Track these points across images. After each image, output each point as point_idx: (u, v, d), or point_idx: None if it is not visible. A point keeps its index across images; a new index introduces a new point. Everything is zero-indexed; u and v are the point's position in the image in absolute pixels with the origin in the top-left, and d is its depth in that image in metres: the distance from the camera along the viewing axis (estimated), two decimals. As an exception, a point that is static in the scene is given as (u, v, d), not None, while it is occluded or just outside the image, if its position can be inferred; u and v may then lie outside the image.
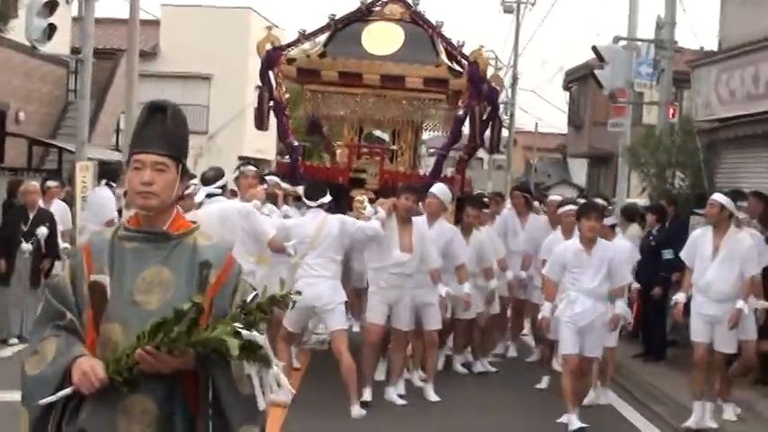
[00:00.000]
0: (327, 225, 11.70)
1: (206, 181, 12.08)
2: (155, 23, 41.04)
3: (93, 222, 16.58)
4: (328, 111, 15.38)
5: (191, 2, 42.80)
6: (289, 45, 15.04)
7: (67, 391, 4.00)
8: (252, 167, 12.79)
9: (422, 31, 14.95)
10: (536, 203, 17.10)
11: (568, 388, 10.94)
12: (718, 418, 11.28)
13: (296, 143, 15.03)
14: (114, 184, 17.93)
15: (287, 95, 15.09)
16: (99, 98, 26.79)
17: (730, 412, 11.70)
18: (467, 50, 15.03)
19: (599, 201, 15.48)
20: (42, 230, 15.79)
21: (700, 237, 11.73)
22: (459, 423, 11.51)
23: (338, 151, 16.47)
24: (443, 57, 14.74)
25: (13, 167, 22.86)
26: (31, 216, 15.18)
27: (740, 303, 10.61)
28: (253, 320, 4.00)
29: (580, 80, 39.28)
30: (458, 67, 14.70)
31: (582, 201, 15.37)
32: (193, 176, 12.70)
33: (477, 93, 14.42)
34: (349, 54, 14.59)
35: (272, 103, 14.61)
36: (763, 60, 16.77)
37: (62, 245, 16.63)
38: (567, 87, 45.64)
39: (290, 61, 14.63)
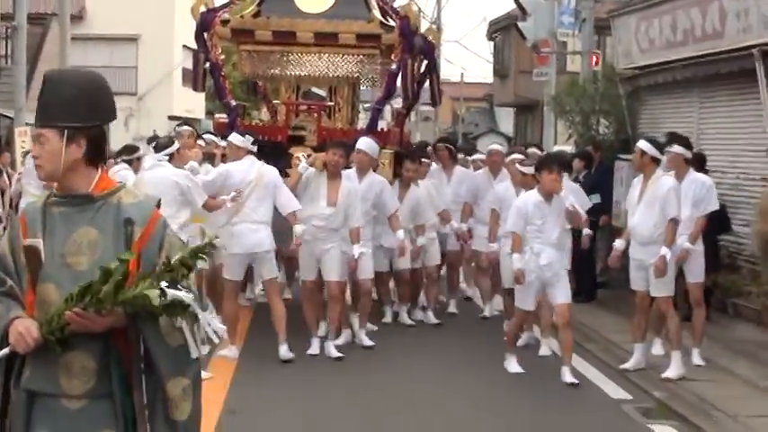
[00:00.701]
0: (266, 173, 11.91)
1: (157, 148, 12.14)
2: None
3: (32, 186, 16.77)
4: (264, 70, 15.41)
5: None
6: (222, 6, 14.98)
7: (5, 351, 4.11)
8: (188, 127, 13.19)
9: None
10: (461, 155, 17.20)
11: (513, 335, 11.40)
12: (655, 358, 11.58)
13: (234, 103, 14.97)
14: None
15: (222, 56, 15.07)
16: (31, 64, 26.62)
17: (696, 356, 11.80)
18: (397, 5, 15.19)
19: (537, 151, 15.71)
20: None
21: (635, 183, 11.92)
22: (402, 371, 11.61)
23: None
24: (376, 12, 14.70)
25: None
26: None
27: (663, 250, 10.80)
28: (177, 276, 4.09)
29: (504, 30, 39.50)
30: (391, 22, 14.64)
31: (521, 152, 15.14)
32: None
33: (409, 47, 14.48)
34: (282, 13, 14.60)
35: (207, 64, 14.62)
36: (679, 8, 16.88)
37: None
38: (491, 38, 45.85)
39: (224, 23, 14.57)
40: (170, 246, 4.26)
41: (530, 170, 12.49)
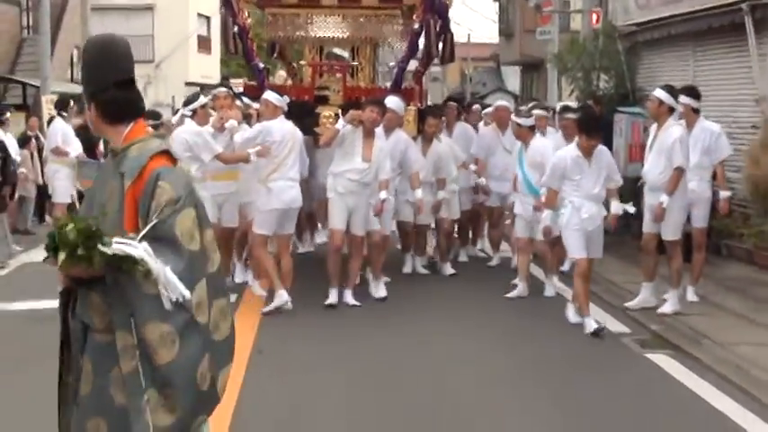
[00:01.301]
0: (297, 133, 12.25)
1: (185, 104, 12.58)
2: (96, -45, 41.26)
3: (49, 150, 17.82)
4: (290, 32, 15.46)
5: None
6: None
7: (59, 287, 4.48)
8: (224, 89, 13.04)
9: None
10: (476, 107, 17.13)
11: (581, 291, 10.95)
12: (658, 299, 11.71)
13: (261, 65, 14.93)
14: (65, 114, 18.51)
15: (249, 20, 14.94)
16: (53, 33, 26.68)
17: (691, 294, 12.07)
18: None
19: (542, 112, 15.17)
20: None
21: (651, 131, 12.07)
22: (415, 316, 11.76)
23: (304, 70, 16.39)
24: None
25: None
26: None
27: (662, 197, 10.99)
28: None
29: None
30: None
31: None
32: None
33: (430, 7, 14.36)
34: None
35: (236, 28, 14.43)
36: None
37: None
38: None
39: None
40: (159, 196, 4.24)
41: (528, 122, 12.94)
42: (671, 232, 11.31)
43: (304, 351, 9.92)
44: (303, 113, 13.05)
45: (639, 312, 11.61)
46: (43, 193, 19.18)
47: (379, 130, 12.52)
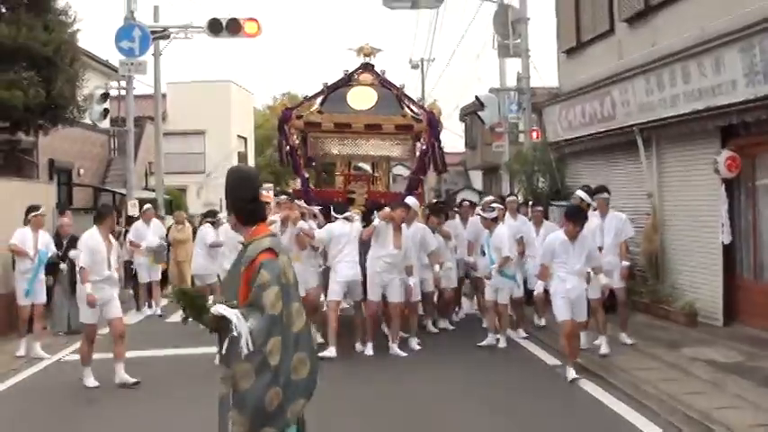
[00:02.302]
0: (355, 229, 12.72)
1: None
2: (163, 95, 41.76)
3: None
4: (327, 150, 15.70)
5: (188, 79, 43.70)
6: (296, 105, 15.24)
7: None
8: (284, 196, 13.29)
9: (389, 91, 15.01)
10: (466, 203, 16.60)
11: (567, 347, 10.61)
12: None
13: (306, 175, 14.99)
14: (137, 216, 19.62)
15: (297, 141, 15.06)
16: (135, 154, 27.34)
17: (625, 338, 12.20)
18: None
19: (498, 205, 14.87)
20: (73, 253, 15.01)
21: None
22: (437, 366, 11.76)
23: (338, 179, 16.54)
24: (407, 109, 14.88)
25: (78, 208, 23.33)
26: (65, 243, 14.68)
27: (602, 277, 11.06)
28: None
29: (471, 114, 39.44)
30: (419, 115, 14.71)
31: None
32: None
33: (435, 133, 14.50)
34: (340, 110, 14.65)
35: (288, 147, 14.64)
36: (586, 100, 17.73)
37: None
38: (462, 119, 46.11)
39: (299, 117, 14.74)
40: (259, 278, 4.73)
41: (491, 215, 13.06)
42: (594, 293, 11.26)
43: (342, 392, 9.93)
44: (340, 210, 13.19)
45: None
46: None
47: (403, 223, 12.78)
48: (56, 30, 17.35)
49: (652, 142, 15.62)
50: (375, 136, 15.13)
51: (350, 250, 12.66)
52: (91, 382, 10.67)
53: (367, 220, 13.33)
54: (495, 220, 13.22)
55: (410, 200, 13.50)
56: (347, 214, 13.03)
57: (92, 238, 10.69)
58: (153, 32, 23.68)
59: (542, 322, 14.22)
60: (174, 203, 31.34)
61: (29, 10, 17.18)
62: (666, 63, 14.17)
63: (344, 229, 12.77)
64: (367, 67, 15.14)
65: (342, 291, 12.66)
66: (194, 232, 23.59)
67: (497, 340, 12.97)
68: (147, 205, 19.24)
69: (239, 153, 50.70)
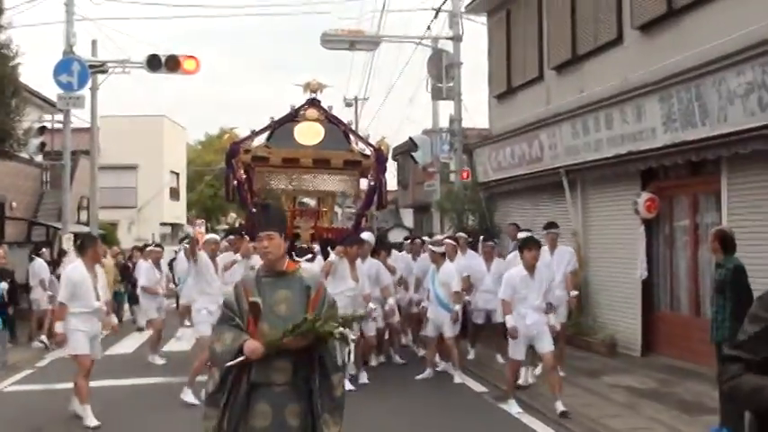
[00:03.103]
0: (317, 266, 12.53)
1: (181, 239, 13.27)
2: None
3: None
4: (273, 185, 15.58)
5: (120, 113, 43.65)
6: (244, 140, 15.01)
7: (240, 359, 4.94)
8: (233, 235, 13.33)
9: (335, 127, 15.10)
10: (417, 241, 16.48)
11: (511, 382, 10.74)
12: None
13: (253, 209, 14.70)
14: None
15: (244, 176, 14.90)
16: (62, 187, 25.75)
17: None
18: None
19: (463, 234, 15.66)
20: (3, 285, 15.27)
21: (515, 259, 11.97)
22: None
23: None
24: (354, 144, 15.03)
25: (11, 242, 22.61)
26: None
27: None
28: (343, 322, 5.09)
29: (403, 154, 39.45)
30: (367, 151, 14.86)
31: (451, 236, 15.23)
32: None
33: (382, 170, 14.79)
34: (287, 145, 14.72)
35: (235, 182, 14.55)
36: (515, 143, 18.44)
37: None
38: (394, 159, 46.99)
39: (247, 151, 14.72)
40: (328, 301, 5.22)
41: (440, 249, 13.06)
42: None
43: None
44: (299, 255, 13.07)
45: (497, 378, 12.32)
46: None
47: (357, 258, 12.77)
48: (-2, 63, 17.57)
49: (577, 183, 16.38)
50: (322, 171, 15.14)
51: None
52: (91, 421, 10.02)
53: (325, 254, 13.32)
54: (444, 255, 13.19)
55: (366, 235, 13.70)
56: (308, 257, 13.05)
57: (75, 271, 10.26)
58: (91, 67, 23.91)
59: (472, 355, 14.46)
60: (108, 238, 31.39)
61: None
62: (591, 109, 14.99)
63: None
64: (313, 103, 15.20)
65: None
66: (125, 267, 23.35)
67: (435, 373, 13.07)
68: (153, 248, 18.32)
69: (171, 188, 50.82)
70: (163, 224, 48.47)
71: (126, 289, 23.12)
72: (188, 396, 11.11)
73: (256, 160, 14.96)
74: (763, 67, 10.46)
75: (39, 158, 26.73)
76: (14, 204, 28.12)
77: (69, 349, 10.22)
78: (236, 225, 53.47)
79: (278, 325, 5.03)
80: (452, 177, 24.60)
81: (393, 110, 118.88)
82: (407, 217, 50.85)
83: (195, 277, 12.07)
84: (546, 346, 10.34)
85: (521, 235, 12.39)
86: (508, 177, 19.35)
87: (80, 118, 27.01)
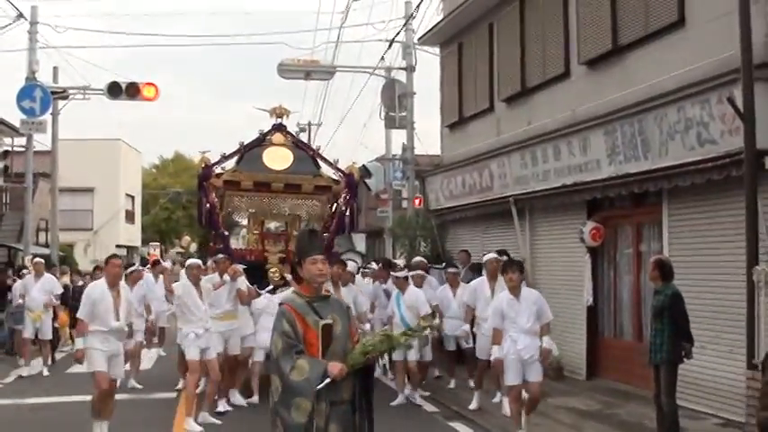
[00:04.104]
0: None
1: (143, 263, 13.37)
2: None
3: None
4: (243, 209, 15.44)
5: (78, 137, 43.66)
6: (215, 163, 14.51)
7: (329, 380, 5.07)
8: (221, 255, 12.84)
9: (304, 152, 14.97)
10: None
11: (515, 411, 10.19)
12: None
13: (226, 233, 14.76)
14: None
15: (216, 199, 14.47)
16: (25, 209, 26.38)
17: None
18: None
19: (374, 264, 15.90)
20: None
21: (479, 285, 12.32)
22: None
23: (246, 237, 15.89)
24: (322, 169, 14.82)
25: None
26: None
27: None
28: (412, 334, 5.58)
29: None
30: (337, 177, 14.68)
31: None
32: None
33: (354, 195, 14.67)
34: (256, 169, 14.43)
35: (208, 205, 14.19)
36: (466, 172, 18.75)
37: None
38: None
39: (218, 176, 14.41)
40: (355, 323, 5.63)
41: (402, 274, 13.18)
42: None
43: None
44: (256, 270, 13.33)
45: (448, 399, 12.81)
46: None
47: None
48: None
49: (525, 212, 16.64)
50: (292, 196, 15.04)
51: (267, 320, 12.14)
52: None
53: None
54: (407, 279, 13.21)
55: (350, 264, 13.75)
56: (269, 288, 13.04)
57: (95, 289, 10.12)
58: (53, 93, 24.05)
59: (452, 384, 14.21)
60: (67, 260, 31.27)
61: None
62: (540, 141, 15.32)
63: (264, 302, 12.77)
64: (280, 128, 15.06)
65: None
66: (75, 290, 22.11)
67: (407, 398, 12.88)
68: (37, 258, 18.51)
69: (127, 211, 50.69)
70: (119, 246, 48.07)
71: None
72: (192, 426, 10.99)
73: (228, 184, 14.74)
74: (702, 104, 10.83)
75: (0, 182, 26.56)
76: (-28, 226, 28.09)
77: (88, 366, 9.96)
78: (190, 248, 53.59)
79: (339, 344, 5.27)
80: (405, 204, 24.84)
81: (347, 136, 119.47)
82: (360, 242, 51.02)
83: (178, 306, 11.89)
84: (534, 375, 9.86)
85: (498, 258, 12.23)
86: (459, 205, 19.58)
87: (39, 141, 26.77)
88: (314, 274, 5.36)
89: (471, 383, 13.12)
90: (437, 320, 13.12)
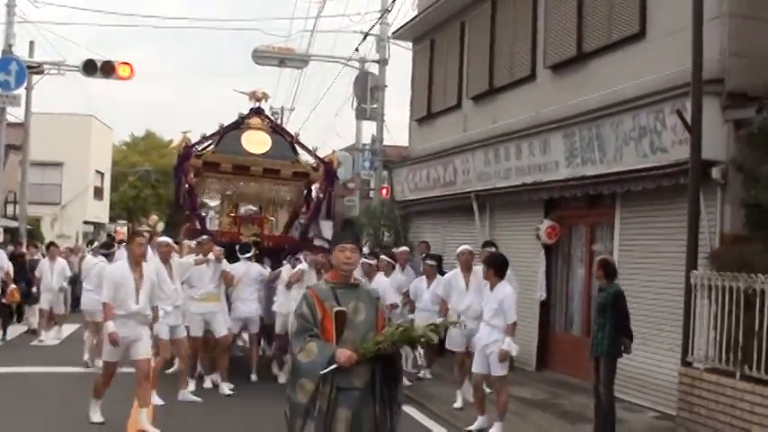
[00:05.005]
0: (253, 269, 13.24)
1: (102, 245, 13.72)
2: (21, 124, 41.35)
3: None
4: (222, 191, 15.61)
5: (50, 111, 43.63)
6: (196, 143, 14.56)
7: (334, 365, 5.13)
8: (206, 236, 12.92)
9: (281, 138, 15.10)
10: None
11: (477, 398, 10.42)
12: None
13: (204, 214, 14.51)
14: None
15: (195, 179, 14.62)
16: None
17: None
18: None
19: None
20: None
21: (453, 277, 11.89)
22: None
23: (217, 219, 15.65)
24: (300, 156, 15.04)
25: None
26: None
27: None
28: (435, 329, 5.51)
29: None
30: (315, 164, 14.95)
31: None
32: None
33: (331, 183, 14.96)
34: (235, 152, 14.51)
35: (187, 186, 14.18)
36: (431, 166, 19.18)
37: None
38: None
39: (198, 156, 14.42)
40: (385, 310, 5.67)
41: (371, 262, 13.53)
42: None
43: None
44: (231, 249, 13.28)
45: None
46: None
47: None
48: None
49: (486, 207, 17.08)
50: (269, 180, 15.11)
51: (248, 289, 13.16)
52: (97, 417, 9.75)
53: (261, 261, 13.75)
54: (377, 268, 13.50)
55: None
56: (249, 255, 13.35)
57: (117, 270, 9.73)
58: (29, 67, 24.26)
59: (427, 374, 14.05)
60: (34, 233, 31.43)
61: None
62: (503, 140, 15.79)
63: (242, 269, 13.16)
64: (258, 112, 15.14)
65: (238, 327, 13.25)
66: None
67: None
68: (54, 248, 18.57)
69: (96, 187, 50.71)
70: (86, 222, 48.41)
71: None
72: (157, 399, 10.99)
73: (207, 165, 14.76)
74: (656, 114, 11.37)
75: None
76: (-62, 198, 28.17)
77: (103, 353, 9.71)
78: (157, 227, 53.72)
79: (357, 333, 5.34)
80: (371, 194, 25.31)
81: (319, 122, 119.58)
82: (327, 230, 51.17)
83: None
84: (494, 368, 9.88)
85: (470, 251, 12.06)
86: (423, 198, 19.95)
87: (12, 114, 26.89)
88: (341, 261, 5.48)
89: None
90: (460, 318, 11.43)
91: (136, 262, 9.64)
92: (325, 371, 5.14)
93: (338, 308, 5.31)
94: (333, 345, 5.24)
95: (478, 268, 11.01)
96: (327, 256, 11.94)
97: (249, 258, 13.38)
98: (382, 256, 14.53)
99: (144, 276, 9.58)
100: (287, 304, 12.53)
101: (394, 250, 16.10)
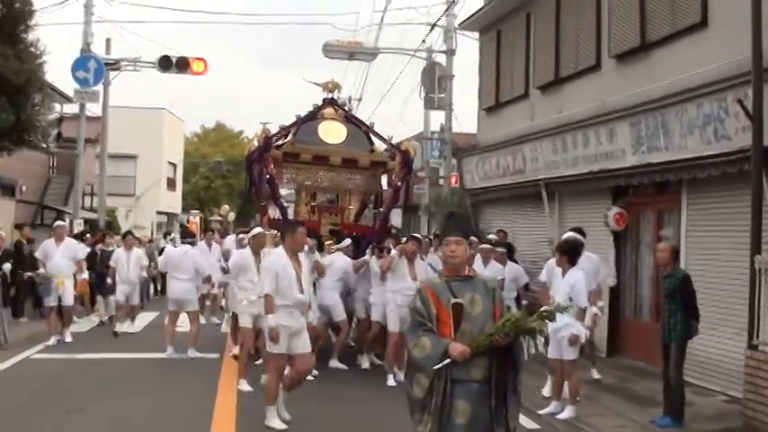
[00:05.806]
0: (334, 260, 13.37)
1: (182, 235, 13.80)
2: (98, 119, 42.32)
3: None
4: (301, 181, 15.63)
5: (124, 104, 44.64)
6: (275, 134, 14.62)
7: (448, 360, 5.13)
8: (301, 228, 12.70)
9: (356, 127, 15.24)
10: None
11: (557, 384, 10.75)
12: None
13: (285, 204, 14.73)
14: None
15: (275, 170, 14.50)
16: (73, 174, 27.22)
17: None
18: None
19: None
20: (6, 266, 16.03)
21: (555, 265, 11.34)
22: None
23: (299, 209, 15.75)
24: (375, 145, 15.22)
25: (21, 224, 22.50)
26: None
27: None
28: (547, 316, 5.44)
29: None
30: (389, 152, 15.12)
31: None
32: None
33: (409, 171, 15.09)
34: (312, 142, 14.61)
35: (267, 176, 14.18)
36: (500, 155, 19.44)
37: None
38: None
39: (278, 147, 14.51)
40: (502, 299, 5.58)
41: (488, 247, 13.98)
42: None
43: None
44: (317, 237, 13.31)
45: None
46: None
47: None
48: (27, 60, 18.60)
49: (555, 195, 17.41)
50: (347, 170, 15.38)
51: (332, 278, 13.26)
52: (276, 423, 9.37)
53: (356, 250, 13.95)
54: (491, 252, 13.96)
55: (416, 235, 13.67)
56: (344, 245, 13.65)
57: (277, 260, 9.45)
58: (106, 64, 25.13)
59: None
60: (112, 225, 32.45)
61: (2, 41, 18.34)
62: (570, 129, 16.10)
63: (329, 259, 13.40)
64: (332, 102, 15.36)
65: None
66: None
67: None
68: (58, 222, 18.40)
69: (168, 179, 51.80)
70: (159, 213, 49.53)
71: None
72: (245, 385, 11.36)
73: (287, 156, 14.83)
74: (719, 102, 11.65)
75: (53, 147, 27.76)
76: (24, 188, 29.22)
77: (268, 345, 9.35)
78: (229, 217, 54.39)
79: (475, 324, 5.30)
80: (441, 182, 25.58)
81: (386, 111, 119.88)
82: (396, 217, 51.60)
83: (235, 274, 12.42)
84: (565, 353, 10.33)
85: (566, 235, 11.86)
86: (493, 186, 20.24)
87: (89, 109, 27.66)
88: (446, 255, 5.55)
89: None
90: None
91: (294, 252, 9.51)
92: (438, 366, 5.17)
93: (455, 300, 5.31)
94: (446, 339, 5.23)
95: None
96: (416, 244, 12.66)
97: (346, 248, 13.60)
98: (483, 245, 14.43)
99: (303, 266, 9.56)
100: (382, 294, 12.78)
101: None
